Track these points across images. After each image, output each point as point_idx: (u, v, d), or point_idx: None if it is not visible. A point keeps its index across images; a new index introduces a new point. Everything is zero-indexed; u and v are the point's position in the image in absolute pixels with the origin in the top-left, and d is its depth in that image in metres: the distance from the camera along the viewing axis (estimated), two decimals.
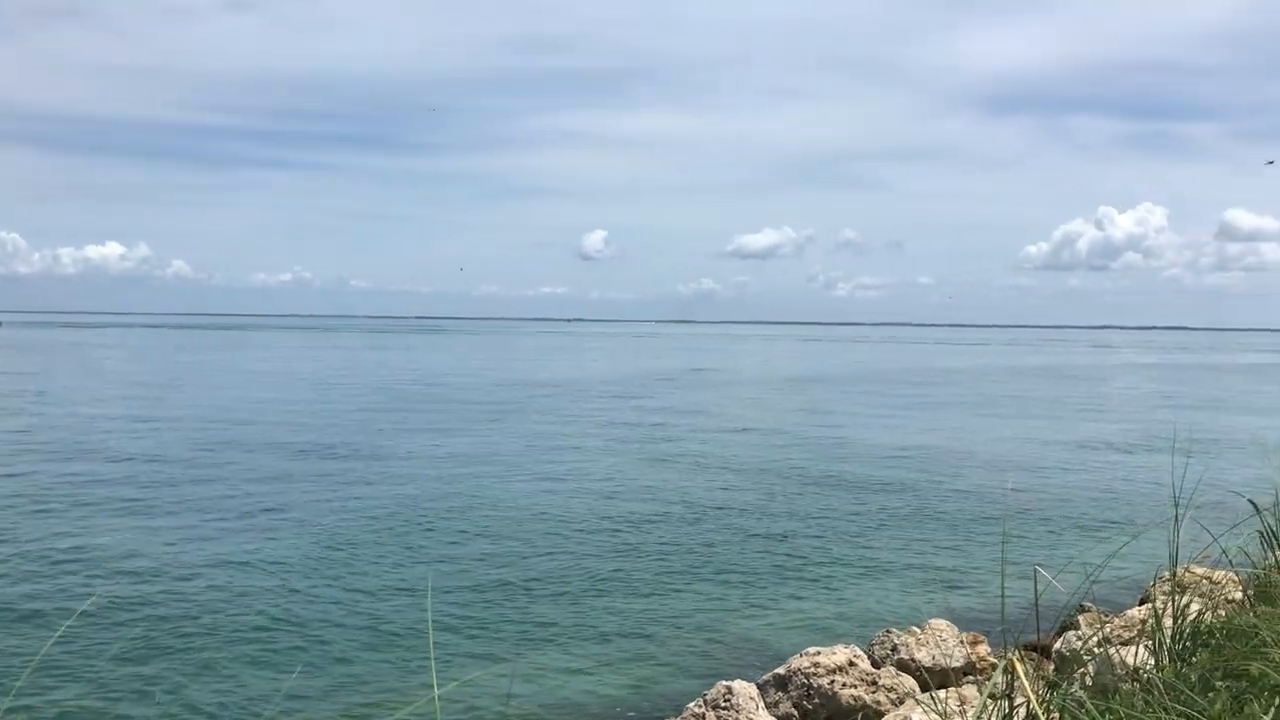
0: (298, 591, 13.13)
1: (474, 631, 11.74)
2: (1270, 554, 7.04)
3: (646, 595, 13.30)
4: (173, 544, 15.50)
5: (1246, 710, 4.21)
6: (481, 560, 14.88)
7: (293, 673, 10.28)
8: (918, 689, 9.16)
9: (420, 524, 17.22)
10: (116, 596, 12.58)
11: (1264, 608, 6.03)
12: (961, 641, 10.36)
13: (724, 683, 8.79)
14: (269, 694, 9.89)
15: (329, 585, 13.45)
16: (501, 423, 33.58)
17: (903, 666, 9.86)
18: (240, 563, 14.43)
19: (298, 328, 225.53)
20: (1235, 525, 6.86)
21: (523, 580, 13.84)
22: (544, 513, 18.37)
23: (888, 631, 10.55)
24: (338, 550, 15.24)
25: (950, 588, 13.92)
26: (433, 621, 11.97)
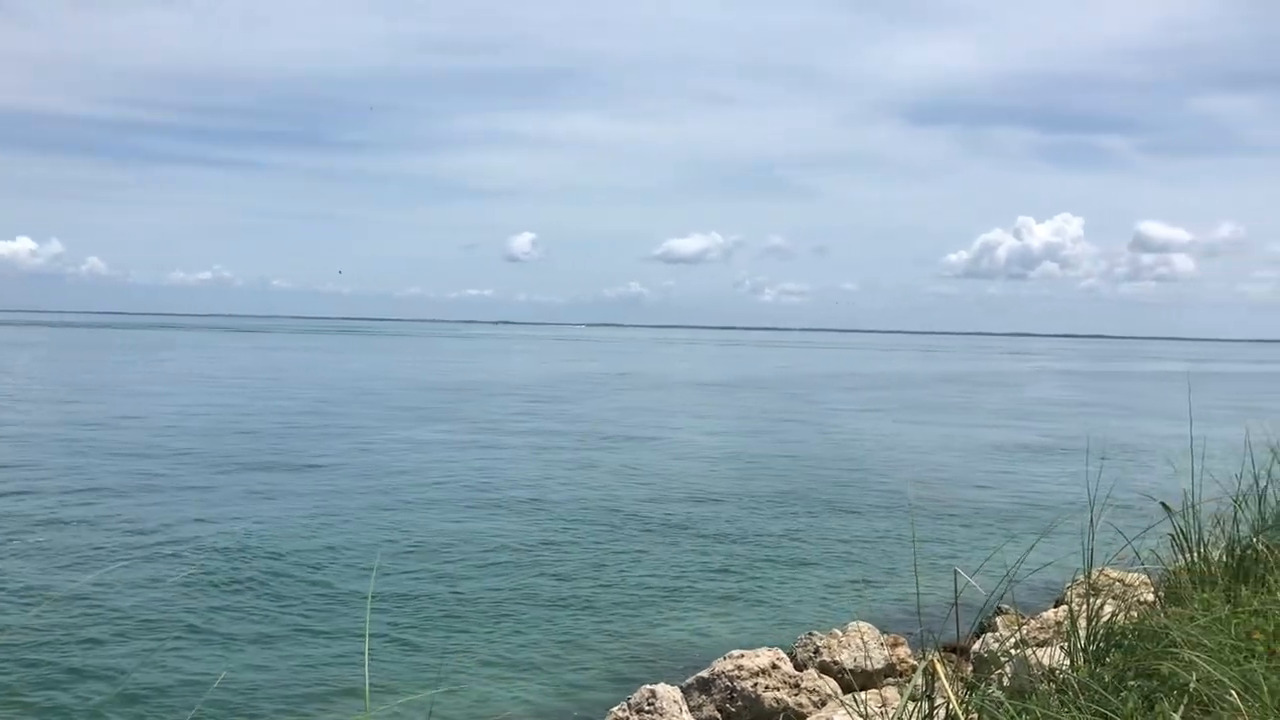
0: (215, 603, 12.84)
1: (397, 641, 11.57)
2: (1180, 556, 7.23)
3: (571, 602, 13.24)
4: (88, 554, 15.07)
5: (1157, 709, 4.31)
6: (403, 569, 14.69)
7: (212, 683, 10.04)
8: (840, 691, 9.25)
9: (343, 533, 16.95)
10: (24, 611, 12.20)
11: (1174, 609, 6.19)
12: (882, 644, 10.48)
13: (648, 686, 8.78)
14: (185, 705, 9.66)
15: (250, 596, 13.17)
16: (426, 428, 33.24)
17: (825, 669, 9.95)
18: (155, 574, 14.07)
19: (218, 328, 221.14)
20: (1148, 529, 7.03)
21: (446, 589, 13.69)
22: (468, 520, 18.21)
23: (810, 634, 10.63)
24: (258, 560, 14.92)
25: (872, 590, 14.08)
26: (353, 632, 11.80)
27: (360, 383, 54.79)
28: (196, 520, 17.30)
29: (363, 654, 10.89)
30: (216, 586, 13.32)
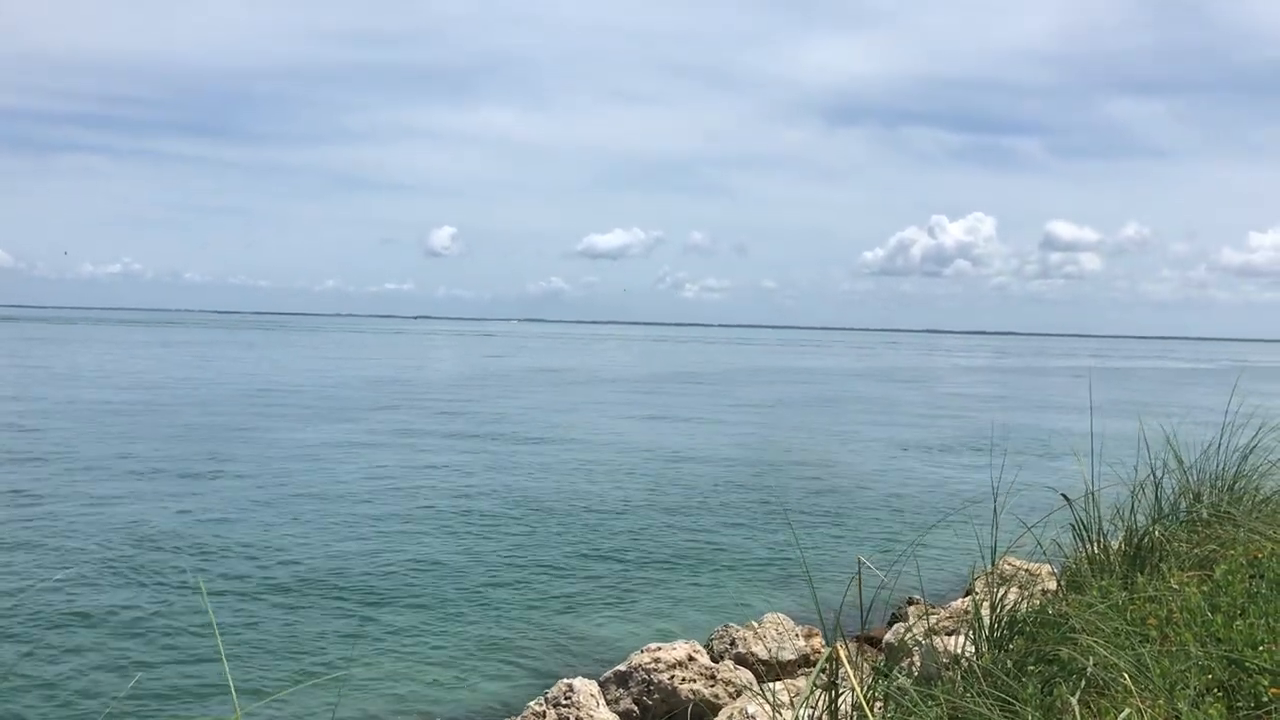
0: (108, 600, 12.53)
1: (306, 634, 11.41)
2: (1080, 545, 7.47)
3: (488, 596, 13.19)
4: None
5: (1055, 692, 4.46)
6: (312, 564, 14.49)
7: (108, 683, 9.81)
8: (755, 682, 9.37)
9: (244, 525, 16.66)
10: None
11: (1074, 596, 6.39)
12: (797, 635, 10.65)
13: (565, 680, 8.80)
14: (75, 703, 9.42)
15: (143, 592, 12.87)
16: (338, 425, 32.79)
17: (741, 660, 10.07)
18: (34, 567, 13.69)
19: (127, 321, 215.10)
20: (1047, 514, 7.24)
21: (358, 584, 13.54)
22: (379, 516, 18.02)
23: (727, 626, 10.75)
24: (155, 557, 14.59)
25: (788, 583, 14.26)
26: (257, 625, 11.61)
27: (272, 377, 53.77)
28: (87, 517, 16.86)
29: (260, 650, 10.75)
30: (108, 584, 13.00)
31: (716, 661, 9.83)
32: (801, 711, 3.93)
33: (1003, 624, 5.94)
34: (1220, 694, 4.61)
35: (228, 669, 9.68)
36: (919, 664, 6.18)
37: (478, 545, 15.85)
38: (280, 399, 40.68)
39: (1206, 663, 4.78)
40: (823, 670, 4.04)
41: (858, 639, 8.85)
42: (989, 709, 4.44)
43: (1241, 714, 4.43)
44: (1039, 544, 7.13)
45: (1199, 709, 4.20)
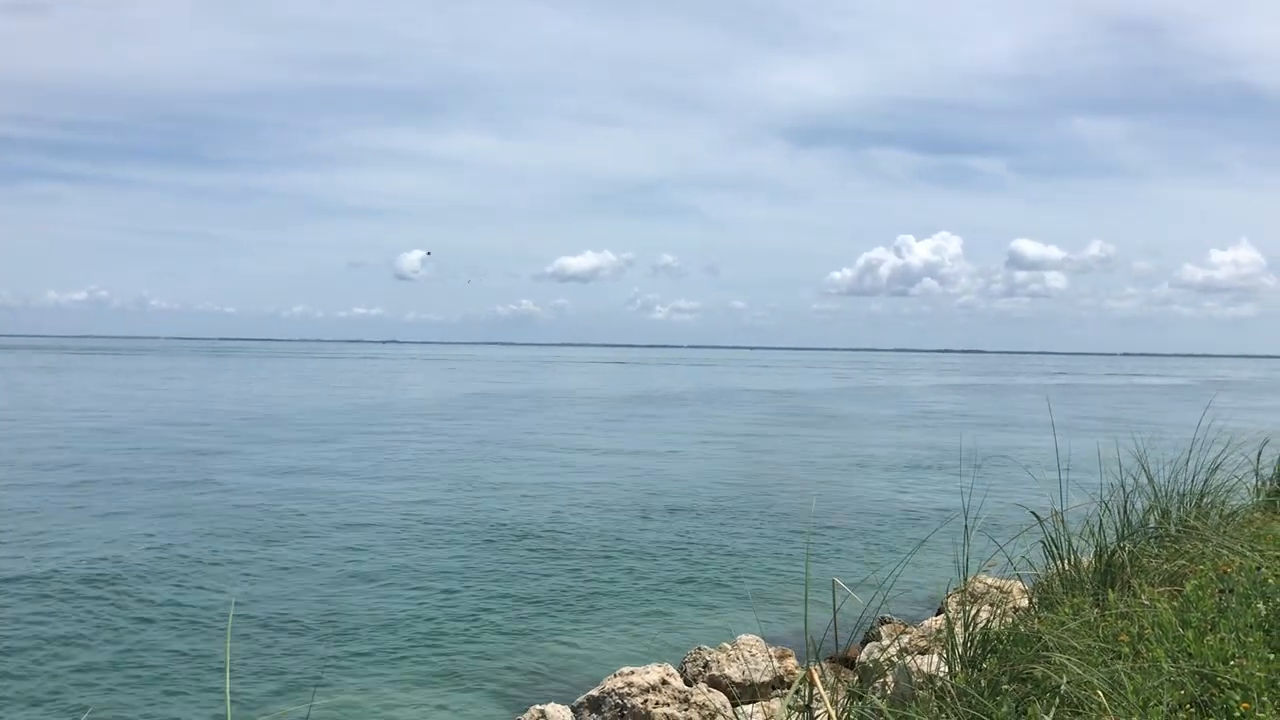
0: (72, 630, 12.31)
1: (273, 662, 11.25)
2: (1051, 563, 7.48)
3: (459, 621, 13.06)
4: None
5: (1029, 711, 4.44)
6: (279, 591, 14.31)
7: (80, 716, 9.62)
8: (729, 705, 9.31)
9: (215, 556, 16.44)
10: None
11: (1046, 614, 6.39)
12: (770, 656, 10.59)
13: (538, 707, 8.72)
14: None
15: (111, 621, 12.66)
16: (308, 449, 32.52)
17: (714, 683, 10.00)
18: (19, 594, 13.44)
19: (93, 350, 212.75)
20: (1019, 533, 7.26)
21: (327, 610, 13.38)
22: (349, 540, 17.84)
23: (699, 649, 10.68)
24: (117, 585, 14.36)
25: (761, 604, 14.22)
26: (227, 659, 11.42)
27: (242, 404, 53.31)
28: (52, 547, 16.59)
29: (230, 678, 10.58)
30: (71, 614, 12.78)
31: (690, 684, 9.76)
32: None
33: (976, 643, 5.93)
34: (1193, 709, 4.62)
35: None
36: (893, 684, 6.15)
37: (447, 570, 15.70)
38: (251, 426, 40.31)
39: (1179, 678, 4.79)
40: (797, 693, 4.00)
41: (831, 660, 8.83)
42: None
43: None
44: (1010, 561, 7.15)
45: None
